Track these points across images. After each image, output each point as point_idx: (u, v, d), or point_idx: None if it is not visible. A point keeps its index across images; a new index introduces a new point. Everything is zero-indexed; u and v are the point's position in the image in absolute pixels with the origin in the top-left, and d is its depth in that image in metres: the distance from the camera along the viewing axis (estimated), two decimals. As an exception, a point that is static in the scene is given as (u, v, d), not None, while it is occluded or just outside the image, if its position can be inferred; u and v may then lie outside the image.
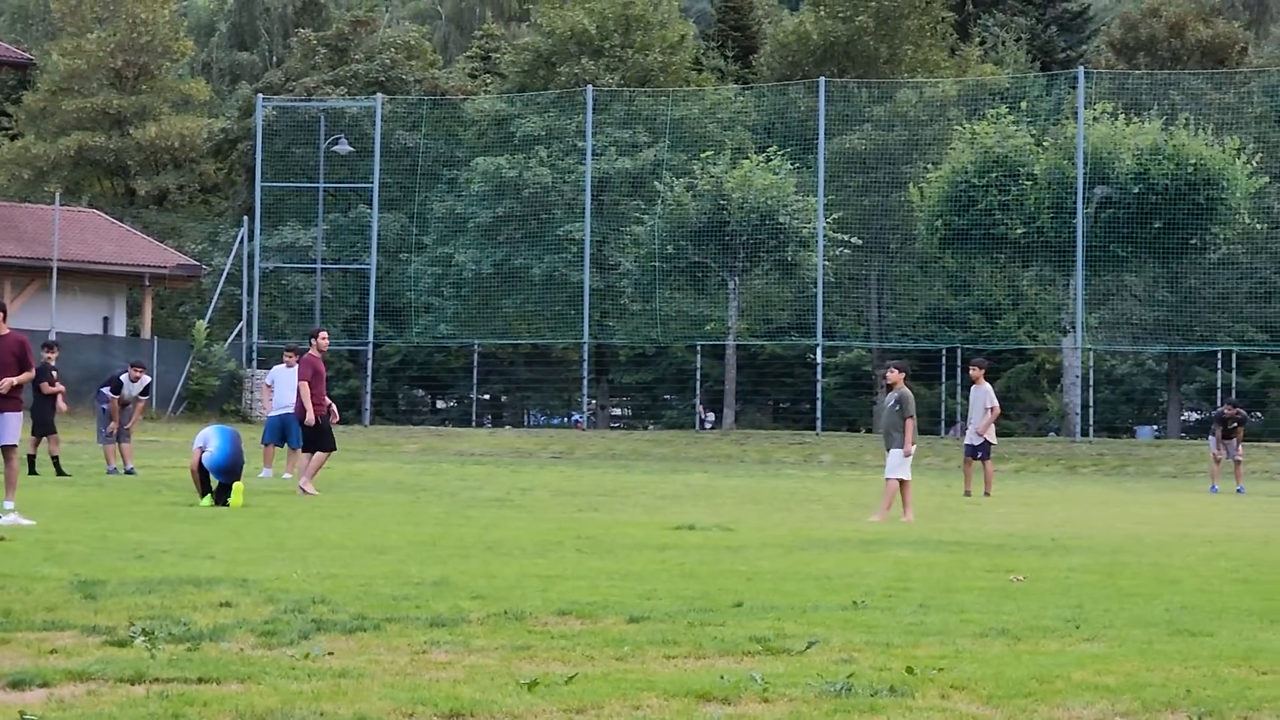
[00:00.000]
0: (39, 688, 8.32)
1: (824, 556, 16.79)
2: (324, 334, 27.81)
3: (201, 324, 57.71)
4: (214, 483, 23.04)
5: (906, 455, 22.95)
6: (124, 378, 32.32)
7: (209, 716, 7.56)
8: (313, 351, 26.90)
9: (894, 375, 23.59)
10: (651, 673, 9.01)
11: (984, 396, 30.77)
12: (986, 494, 30.30)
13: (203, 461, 23.18)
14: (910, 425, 22.90)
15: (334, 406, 27.67)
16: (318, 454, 26.58)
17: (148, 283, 58.18)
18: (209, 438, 23.44)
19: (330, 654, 9.39)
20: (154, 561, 14.53)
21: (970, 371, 31.73)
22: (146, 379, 32.61)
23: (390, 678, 8.68)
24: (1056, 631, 11.13)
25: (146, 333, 58.03)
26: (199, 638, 9.88)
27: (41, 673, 8.60)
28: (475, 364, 62.14)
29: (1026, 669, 9.30)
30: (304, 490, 25.61)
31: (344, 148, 58.31)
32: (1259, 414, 56.41)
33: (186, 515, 20.87)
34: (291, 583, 12.94)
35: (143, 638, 9.78)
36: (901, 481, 23.15)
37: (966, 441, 31.49)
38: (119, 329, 58.63)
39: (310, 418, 26.22)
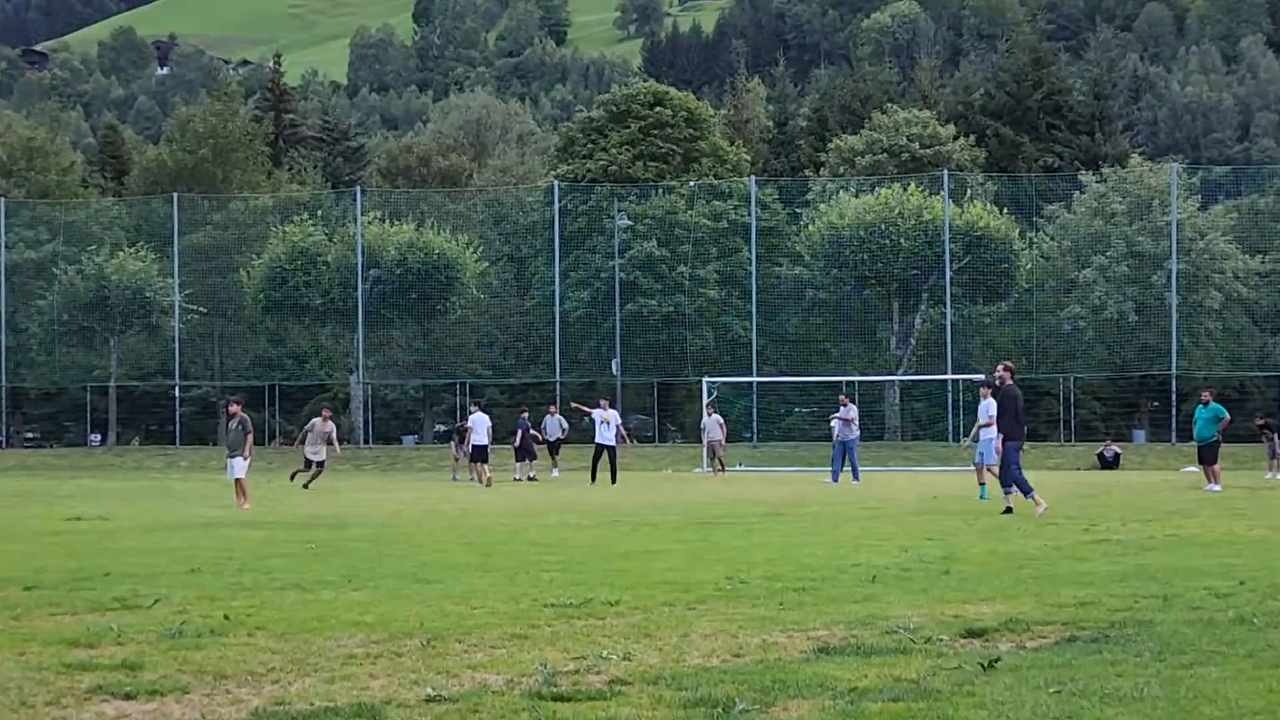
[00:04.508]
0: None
1: (173, 536, 17.45)
2: (326, 409, 35.65)
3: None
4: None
5: (246, 459, 25.46)
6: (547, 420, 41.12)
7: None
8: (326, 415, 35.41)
9: (235, 408, 25.74)
10: (37, 628, 9.57)
11: (325, 426, 35.79)
12: (296, 479, 35.22)
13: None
14: (249, 439, 25.61)
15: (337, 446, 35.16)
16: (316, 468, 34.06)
17: None
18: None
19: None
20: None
21: (323, 412, 36.68)
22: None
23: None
24: (334, 584, 12.09)
25: None
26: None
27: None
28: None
29: (311, 612, 10.27)
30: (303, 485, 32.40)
31: None
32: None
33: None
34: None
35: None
36: (239, 480, 25.40)
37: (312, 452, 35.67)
38: None
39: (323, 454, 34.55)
